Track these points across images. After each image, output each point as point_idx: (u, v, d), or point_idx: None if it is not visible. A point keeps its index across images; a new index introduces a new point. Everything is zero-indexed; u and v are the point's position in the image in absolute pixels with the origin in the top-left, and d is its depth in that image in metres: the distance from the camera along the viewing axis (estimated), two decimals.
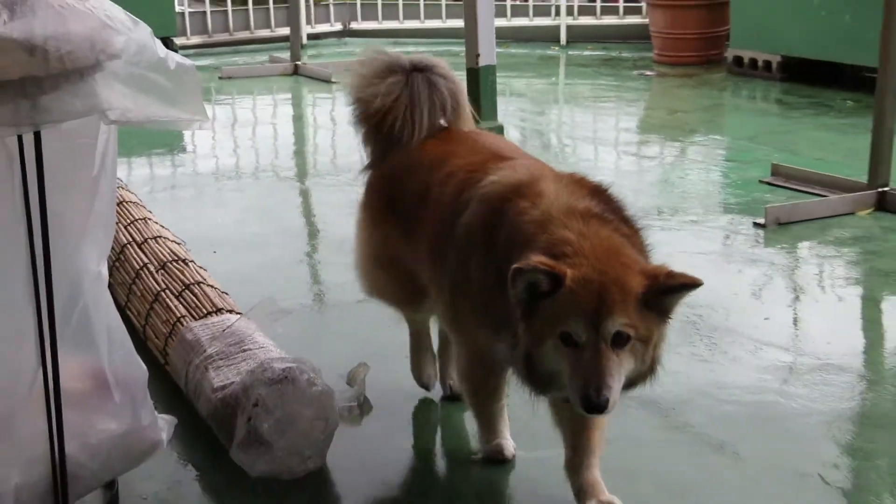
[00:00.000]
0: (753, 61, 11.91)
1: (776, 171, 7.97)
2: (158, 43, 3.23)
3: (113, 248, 5.05)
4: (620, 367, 2.91)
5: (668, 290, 2.97)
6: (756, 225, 6.92)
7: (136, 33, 3.15)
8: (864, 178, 7.27)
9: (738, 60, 12.10)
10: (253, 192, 8.20)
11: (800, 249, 6.58)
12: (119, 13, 3.15)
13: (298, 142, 10.17)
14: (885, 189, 7.16)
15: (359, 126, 4.16)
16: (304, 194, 8.14)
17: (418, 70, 3.98)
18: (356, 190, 7.86)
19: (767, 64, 11.74)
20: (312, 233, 7.29)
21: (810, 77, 11.51)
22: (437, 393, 4.43)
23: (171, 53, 3.25)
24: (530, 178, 3.40)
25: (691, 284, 2.97)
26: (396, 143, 3.98)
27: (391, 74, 3.98)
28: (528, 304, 2.97)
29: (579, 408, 2.90)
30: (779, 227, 6.87)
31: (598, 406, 2.84)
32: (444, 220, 3.58)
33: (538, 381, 3.10)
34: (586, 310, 2.89)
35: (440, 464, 3.95)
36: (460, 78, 4.05)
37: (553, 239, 3.07)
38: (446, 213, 3.57)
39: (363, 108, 4.07)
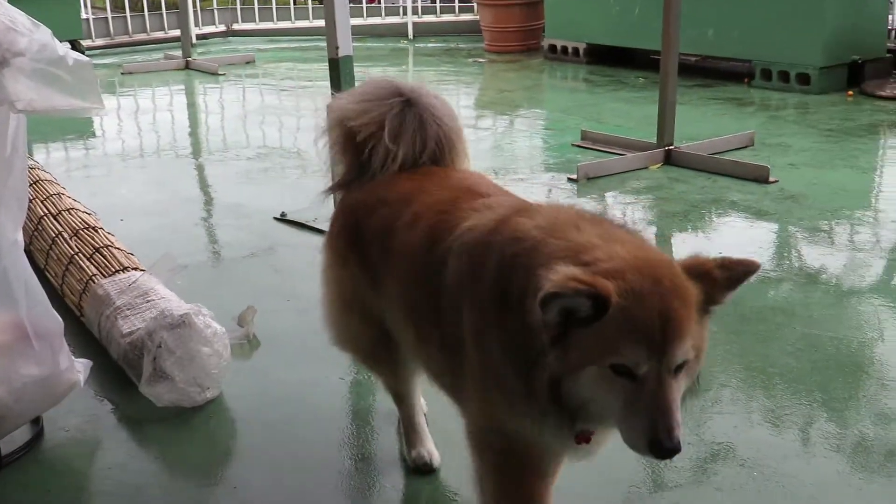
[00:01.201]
0: (564, 48, 12.09)
1: (585, 136, 8.04)
2: (58, 42, 3.14)
3: (31, 219, 4.87)
4: (681, 394, 2.01)
5: (729, 285, 2.07)
6: (570, 180, 6.97)
7: (37, 34, 3.07)
8: (653, 139, 7.38)
9: (553, 48, 12.25)
10: (155, 168, 7.97)
11: (606, 198, 6.63)
12: (22, 17, 3.09)
13: (192, 125, 9.88)
14: (671, 147, 7.29)
15: (334, 143, 3.11)
16: (199, 168, 7.93)
17: (411, 104, 2.96)
18: (243, 162, 7.92)
19: (576, 50, 11.92)
20: (207, 200, 7.10)
21: (610, 60, 11.70)
22: (313, 329, 4.35)
23: (70, 51, 3.19)
24: (511, 211, 2.36)
25: (751, 269, 2.10)
26: (367, 169, 2.98)
27: (387, 99, 2.96)
28: (560, 331, 1.96)
29: (646, 452, 1.95)
30: (588, 181, 6.92)
31: (671, 450, 1.92)
32: (417, 277, 2.57)
33: (566, 413, 2.05)
34: (647, 335, 1.91)
35: (320, 390, 3.88)
36: (452, 116, 3.05)
37: (573, 245, 2.06)
38: (418, 266, 2.56)
39: (345, 127, 3.01)
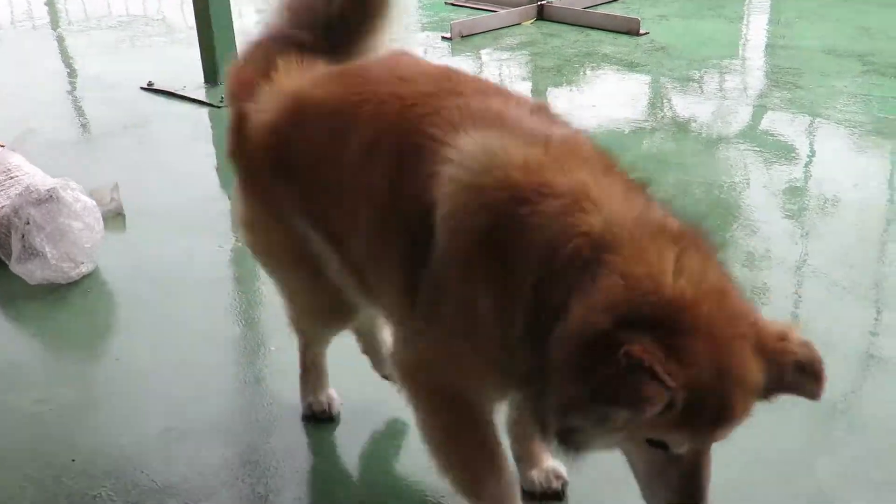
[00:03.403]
0: None
1: None
2: None
3: None
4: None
5: (797, 386, 1.71)
6: (444, 39, 6.86)
7: None
8: None
9: None
10: (12, 42, 7.54)
11: (482, 56, 6.56)
12: None
13: None
14: (543, 3, 7.21)
15: None
16: (60, 40, 7.54)
17: None
18: (106, 32, 7.53)
19: None
20: (71, 73, 6.77)
21: None
22: (187, 200, 4.26)
23: None
24: (541, 159, 1.79)
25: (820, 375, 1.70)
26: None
27: None
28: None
29: None
30: (462, 39, 6.83)
31: None
32: (382, 225, 2.00)
33: (570, 442, 1.69)
34: (700, 426, 1.63)
35: (200, 260, 3.80)
36: None
37: (658, 299, 1.59)
38: (387, 211, 1.98)
39: None
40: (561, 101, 5.65)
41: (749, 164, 4.57)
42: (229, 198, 3.90)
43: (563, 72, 6.10)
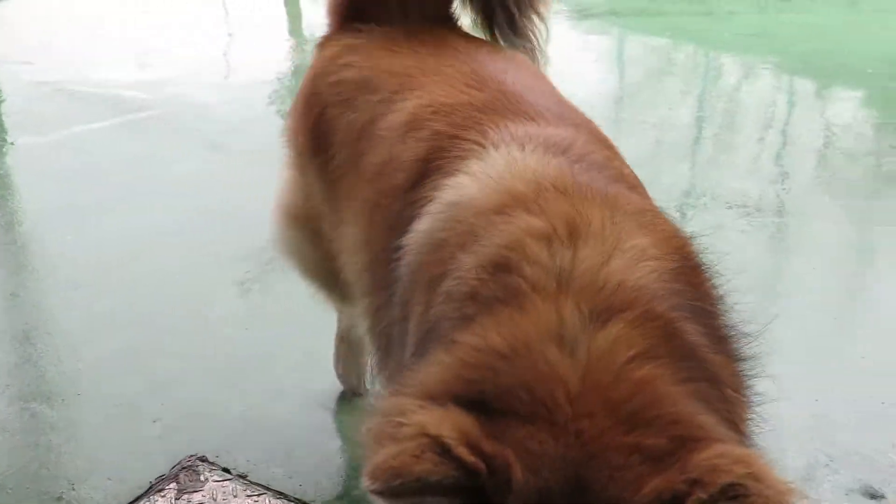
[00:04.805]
0: None
1: None
2: None
3: None
4: None
5: None
6: None
7: None
8: None
9: None
10: None
11: None
12: None
13: None
14: None
15: None
16: None
17: None
18: None
19: None
20: None
21: None
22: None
23: None
24: (529, 190, 1.40)
25: None
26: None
27: None
28: None
29: None
30: None
31: None
32: (388, 212, 1.66)
33: None
34: None
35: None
36: None
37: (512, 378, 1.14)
38: (393, 200, 1.65)
39: None
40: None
41: None
42: None
43: None
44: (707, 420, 1.12)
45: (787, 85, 4.49)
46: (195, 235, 3.28)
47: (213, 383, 2.58)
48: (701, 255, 1.41)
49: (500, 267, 1.27)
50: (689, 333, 1.23)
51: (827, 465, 2.31)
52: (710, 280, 1.40)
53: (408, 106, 1.72)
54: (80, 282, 3.03)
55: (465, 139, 1.56)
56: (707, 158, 3.83)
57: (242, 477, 2.27)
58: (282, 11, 5.81)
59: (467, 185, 1.47)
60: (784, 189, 3.51)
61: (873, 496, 2.25)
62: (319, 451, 2.35)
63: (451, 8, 2.08)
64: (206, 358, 2.68)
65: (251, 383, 2.59)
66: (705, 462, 1.02)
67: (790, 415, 2.31)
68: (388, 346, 1.61)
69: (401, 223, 1.56)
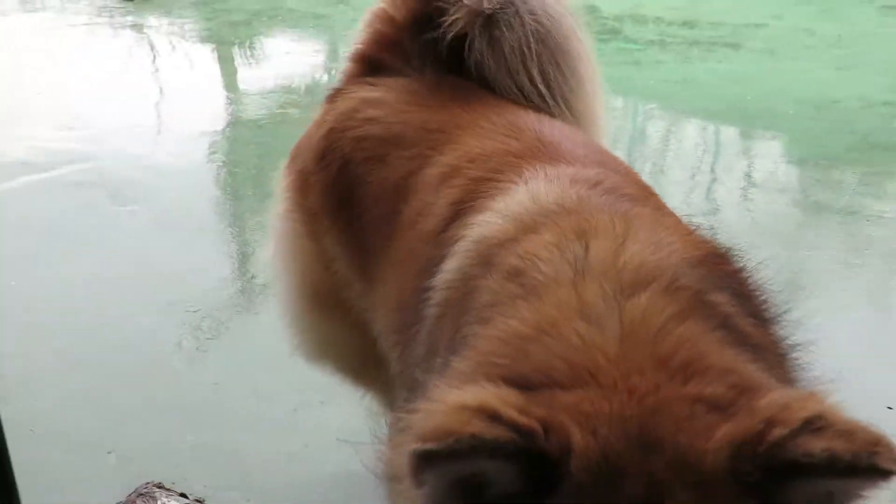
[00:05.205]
0: None
1: None
2: None
3: None
4: None
5: (793, 468, 0.94)
6: None
7: None
8: None
9: None
10: None
11: (171, 14, 6.66)
12: None
13: None
14: None
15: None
16: None
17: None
18: None
19: None
20: None
21: None
22: None
23: None
24: (546, 217, 1.38)
25: (866, 465, 0.92)
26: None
27: None
28: None
29: None
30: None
31: None
32: (420, 257, 1.58)
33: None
34: None
35: None
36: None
37: (535, 346, 1.12)
38: (425, 245, 1.58)
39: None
40: (254, 51, 5.86)
41: None
42: None
43: (252, 24, 6.30)
44: (759, 373, 1.09)
45: (714, 126, 4.67)
46: (135, 281, 3.29)
47: (164, 415, 2.59)
48: (733, 254, 1.37)
49: (515, 272, 1.25)
50: (722, 304, 1.20)
51: None
52: (743, 269, 1.35)
53: (445, 160, 1.66)
54: (28, 324, 3.03)
55: (501, 181, 1.51)
56: None
57: (200, 502, 2.28)
58: (215, 70, 5.90)
59: (491, 220, 1.42)
60: (717, 221, 3.65)
61: None
62: (276, 474, 2.37)
63: (466, 61, 1.92)
64: (156, 392, 2.69)
65: (203, 413, 2.60)
66: (775, 403, 0.97)
67: None
68: (413, 388, 1.40)
69: (430, 265, 1.48)
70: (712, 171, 4.28)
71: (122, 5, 6.81)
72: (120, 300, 3.18)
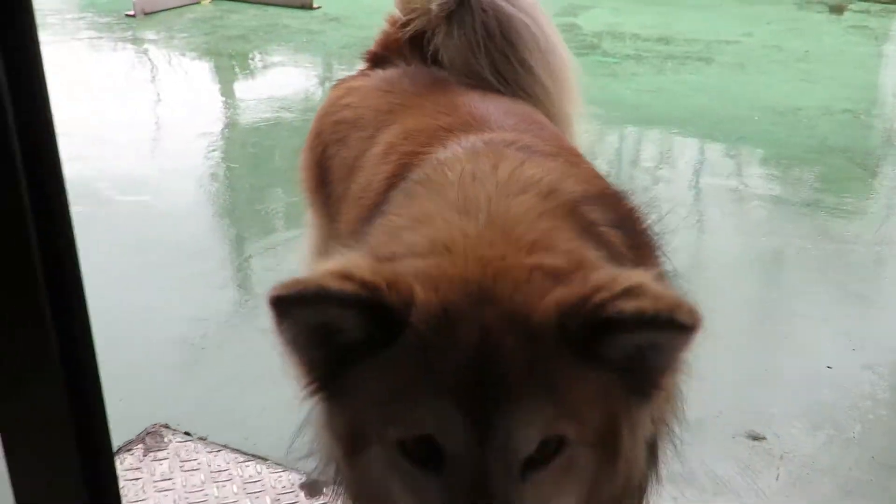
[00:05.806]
0: None
1: None
2: None
3: None
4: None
5: (609, 324, 1.08)
6: (128, 16, 7.13)
7: None
8: None
9: None
10: None
11: (171, 31, 6.92)
12: None
13: None
14: None
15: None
16: None
17: None
18: None
19: None
20: None
21: None
22: None
23: None
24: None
25: (666, 318, 1.06)
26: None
27: None
28: (322, 366, 1.17)
29: None
30: (146, 16, 7.14)
31: None
32: (359, 238, 1.53)
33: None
34: (454, 384, 1.09)
35: None
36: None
37: (404, 226, 1.30)
38: (364, 224, 1.58)
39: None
40: (253, 61, 6.13)
41: None
42: None
43: (250, 38, 6.59)
44: (603, 260, 1.22)
45: (680, 129, 4.93)
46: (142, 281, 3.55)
47: (170, 372, 2.84)
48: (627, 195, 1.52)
49: (426, 178, 1.45)
50: (595, 218, 1.34)
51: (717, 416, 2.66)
52: (634, 209, 1.49)
53: (384, 138, 1.83)
54: None
55: (429, 154, 1.61)
56: None
57: (202, 439, 2.53)
58: (213, 80, 6.15)
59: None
60: (673, 205, 3.92)
61: (755, 438, 2.60)
62: (272, 419, 2.60)
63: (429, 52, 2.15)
64: (162, 352, 2.94)
65: (205, 370, 2.86)
66: (605, 275, 1.11)
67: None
68: None
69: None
70: (673, 166, 4.55)
71: (122, 22, 7.07)
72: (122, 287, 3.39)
